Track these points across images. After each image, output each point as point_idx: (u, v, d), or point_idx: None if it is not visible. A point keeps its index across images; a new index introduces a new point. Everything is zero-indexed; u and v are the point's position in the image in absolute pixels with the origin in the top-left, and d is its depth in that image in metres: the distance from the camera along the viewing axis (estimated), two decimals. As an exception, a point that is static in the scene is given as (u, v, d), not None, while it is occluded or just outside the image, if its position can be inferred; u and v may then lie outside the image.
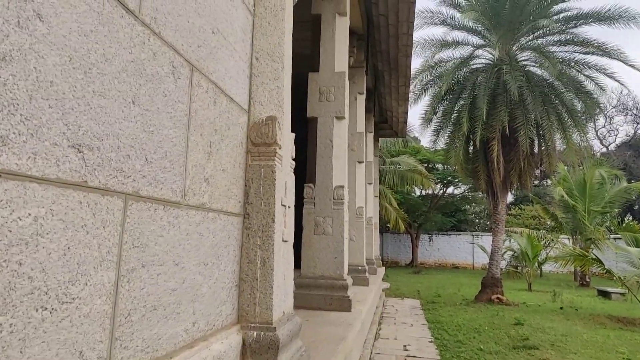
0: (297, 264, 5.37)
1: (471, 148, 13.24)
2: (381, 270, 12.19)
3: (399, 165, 22.18)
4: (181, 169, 1.62)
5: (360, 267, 7.67)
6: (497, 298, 12.66)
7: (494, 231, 13.10)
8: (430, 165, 27.21)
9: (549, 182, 33.70)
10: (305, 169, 5.35)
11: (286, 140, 2.43)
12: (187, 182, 1.66)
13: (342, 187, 5.15)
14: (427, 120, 13.33)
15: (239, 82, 2.18)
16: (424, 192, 30.85)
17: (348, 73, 7.41)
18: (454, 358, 6.96)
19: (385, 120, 13.55)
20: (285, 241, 2.41)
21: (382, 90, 10.83)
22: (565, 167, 18.24)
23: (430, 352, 7.27)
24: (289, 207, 2.46)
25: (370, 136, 10.80)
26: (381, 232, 29.10)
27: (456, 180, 28.45)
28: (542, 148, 12.74)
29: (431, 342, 7.95)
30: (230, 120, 2.07)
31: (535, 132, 12.24)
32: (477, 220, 37.97)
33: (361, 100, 7.96)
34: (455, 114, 12.91)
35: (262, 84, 2.33)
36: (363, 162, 8.04)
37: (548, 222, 28.26)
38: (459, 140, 12.69)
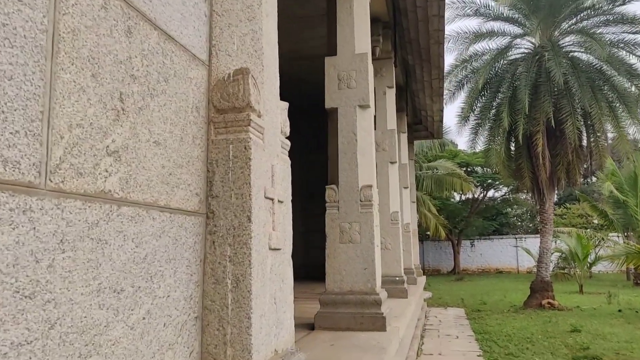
0: (322, 278, 4.61)
1: (513, 145, 12.14)
2: (422, 280, 11.24)
3: (437, 169, 21.07)
4: (35, 125, 0.89)
5: (397, 278, 6.81)
6: (548, 303, 11.48)
7: (542, 231, 11.92)
8: (469, 169, 25.90)
9: (594, 179, 31.68)
10: (326, 170, 4.59)
11: (271, 107, 1.69)
12: (54, 151, 0.93)
13: (370, 186, 4.35)
14: (464, 118, 12.34)
15: (187, 18, 1.46)
16: (463, 197, 29.50)
17: (375, 65, 6.62)
18: (508, 375, 5.99)
19: (419, 121, 12.66)
20: (275, 249, 1.65)
21: (414, 87, 9.98)
22: (613, 161, 16.78)
23: (480, 368, 6.34)
24: (279, 201, 1.70)
25: (404, 137, 9.95)
26: (421, 240, 27.92)
27: (497, 183, 26.99)
28: (591, 140, 11.55)
29: (480, 356, 7.01)
30: (169, 68, 1.35)
31: (582, 122, 11.08)
32: (519, 223, 36.16)
33: (390, 94, 7.16)
34: (494, 109, 11.87)
35: (228, 27, 1.60)
36: (396, 162, 7.21)
37: (595, 221, 26.42)
38: (500, 137, 11.64)
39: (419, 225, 25.77)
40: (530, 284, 12.01)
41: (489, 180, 26.68)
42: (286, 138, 1.87)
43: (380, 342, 3.62)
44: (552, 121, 10.60)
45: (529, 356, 7.00)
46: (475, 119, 12.38)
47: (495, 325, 9.55)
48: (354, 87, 4.31)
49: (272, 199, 1.65)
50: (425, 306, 11.87)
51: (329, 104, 4.39)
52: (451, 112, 51.03)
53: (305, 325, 4.39)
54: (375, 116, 7.06)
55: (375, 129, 7.17)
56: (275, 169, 1.69)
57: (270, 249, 1.62)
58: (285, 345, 1.73)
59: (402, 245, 7.28)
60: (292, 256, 1.86)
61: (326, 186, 4.42)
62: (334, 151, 4.42)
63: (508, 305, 12.44)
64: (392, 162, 7.10)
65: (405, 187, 9.74)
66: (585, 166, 12.17)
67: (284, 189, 1.78)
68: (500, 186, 28.15)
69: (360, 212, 4.33)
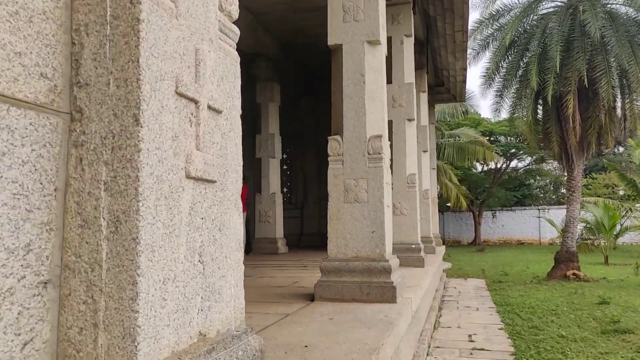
0: (325, 245, 3.98)
1: (540, 108, 11.21)
2: (441, 250, 10.61)
3: (459, 137, 20.08)
4: None
5: (413, 246, 6.20)
6: (574, 274, 10.74)
7: (569, 200, 11.09)
8: (492, 138, 24.78)
9: (621, 149, 30.18)
10: (329, 123, 3.93)
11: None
12: None
13: (380, 137, 3.69)
14: (488, 79, 11.40)
15: None
16: (485, 168, 28.47)
17: (390, 11, 5.85)
18: (532, 349, 5.39)
19: (441, 82, 11.80)
20: (201, 180, 1.02)
21: (435, 44, 9.13)
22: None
23: (502, 342, 5.75)
24: (213, 109, 1.07)
25: (424, 97, 9.15)
26: (441, 211, 27.14)
27: (520, 152, 25.87)
28: (626, 101, 10.54)
29: (501, 329, 6.40)
30: None
31: (617, 82, 10.07)
32: (542, 195, 35.00)
33: (408, 44, 6.39)
34: (522, 69, 10.89)
35: None
36: (414, 120, 6.49)
37: (621, 192, 25.18)
38: (527, 99, 10.72)
39: (440, 196, 24.96)
40: (555, 255, 11.25)
41: (513, 150, 25.57)
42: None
43: (388, 316, 3.02)
44: (585, 80, 9.64)
45: (555, 329, 6.37)
46: (500, 80, 11.43)
47: (518, 296, 8.90)
48: (361, 19, 3.61)
49: (194, 101, 1.03)
50: (444, 277, 11.26)
51: (332, 40, 3.71)
52: (474, 77, 49.00)
53: (306, 296, 3.82)
54: (391, 68, 6.32)
55: (391, 83, 6.45)
56: (204, 56, 1.06)
57: (190, 177, 1.01)
58: (224, 324, 1.14)
59: (419, 211, 6.63)
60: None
61: (329, 137, 3.78)
62: (338, 96, 3.75)
63: (531, 277, 11.73)
64: (409, 120, 6.40)
65: (424, 151, 9.02)
66: (617, 131, 11.19)
67: (224, 93, 1.15)
68: (524, 156, 27.02)
69: (368, 167, 3.69)
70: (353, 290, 3.55)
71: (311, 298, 3.68)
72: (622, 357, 5.05)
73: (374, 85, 3.74)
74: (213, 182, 1.11)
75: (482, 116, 26.49)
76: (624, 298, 8.52)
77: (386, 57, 4.81)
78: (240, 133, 1.26)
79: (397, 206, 6.25)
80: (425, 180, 8.94)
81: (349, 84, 3.72)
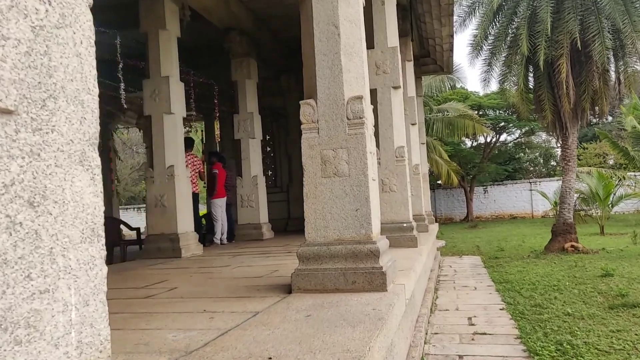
0: (302, 228, 3.37)
1: (531, 75, 10.68)
2: (434, 227, 10.14)
3: (447, 112, 19.53)
4: None
5: (405, 224, 5.69)
6: (572, 246, 10.35)
7: (564, 169, 10.64)
8: (480, 112, 24.26)
9: (609, 118, 29.85)
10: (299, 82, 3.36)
11: None
12: None
13: (361, 98, 3.13)
14: (476, 47, 10.82)
15: None
16: (474, 143, 28.04)
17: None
18: (538, 331, 4.95)
19: (427, 53, 11.21)
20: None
21: (419, 10, 8.53)
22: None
23: (504, 323, 5.32)
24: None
25: (410, 67, 8.57)
26: (432, 188, 26.74)
27: (510, 126, 25.44)
28: (620, 64, 10.06)
29: (502, 309, 5.98)
30: None
31: (611, 44, 9.57)
32: (532, 168, 34.75)
33: (390, 5, 5.80)
34: (511, 35, 10.33)
35: None
36: (400, 87, 5.92)
37: (611, 161, 24.91)
38: (517, 66, 10.19)
39: (430, 173, 24.51)
40: (552, 227, 10.85)
41: (502, 123, 25.13)
42: None
43: (377, 309, 2.50)
44: (578, 42, 9.12)
45: (559, 307, 5.94)
46: (489, 48, 10.87)
47: (516, 273, 8.48)
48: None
49: None
50: (438, 255, 10.82)
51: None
52: (461, 49, 47.98)
53: (284, 288, 3.30)
54: (372, 32, 5.74)
55: (373, 48, 5.86)
56: None
57: None
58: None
59: (410, 187, 6.11)
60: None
61: (300, 102, 3.21)
62: (310, 53, 3.17)
63: (528, 251, 11.34)
64: (395, 87, 5.84)
65: (412, 124, 8.48)
66: (612, 95, 10.73)
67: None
68: (513, 129, 26.62)
69: (348, 135, 3.14)
70: (336, 279, 3.02)
71: (289, 290, 3.15)
72: (635, 334, 4.61)
73: (350, 39, 3.17)
74: (9, 112, 0.57)
75: (470, 90, 25.95)
76: (627, 269, 8.14)
77: (367, 19, 4.22)
78: (91, 38, 0.71)
79: (385, 182, 5.73)
80: (415, 155, 8.42)
81: (321, 38, 3.14)
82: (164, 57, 6.88)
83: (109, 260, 7.54)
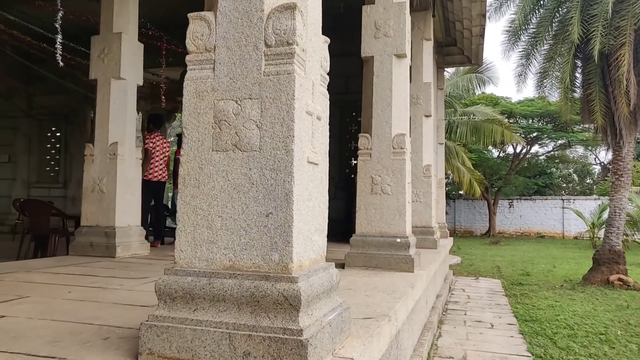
0: None
1: (579, 70, 8.99)
2: (447, 242, 8.58)
3: (474, 115, 17.76)
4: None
5: (399, 240, 4.23)
6: (619, 279, 8.61)
7: (615, 186, 8.90)
8: (512, 120, 22.34)
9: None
10: None
11: None
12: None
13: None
14: (515, 34, 9.18)
15: None
16: (502, 154, 26.10)
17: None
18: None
19: (453, 42, 9.64)
20: None
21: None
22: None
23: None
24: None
25: (429, 46, 7.01)
26: (452, 198, 24.95)
27: (544, 136, 23.43)
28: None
29: (529, 366, 4.45)
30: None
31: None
32: (564, 185, 32.52)
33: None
34: (558, 20, 8.66)
35: None
36: (405, 56, 4.42)
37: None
38: (563, 57, 8.52)
39: (452, 182, 22.72)
40: (594, 254, 9.11)
41: (535, 133, 23.14)
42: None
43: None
44: (645, 30, 7.45)
45: (613, 371, 4.39)
46: (529, 36, 9.21)
47: (547, 308, 6.86)
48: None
49: None
50: (450, 275, 9.24)
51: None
52: (493, 44, 44.79)
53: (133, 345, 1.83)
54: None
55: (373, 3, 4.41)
56: None
57: None
58: None
59: (409, 190, 4.63)
60: None
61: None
62: None
63: (560, 279, 9.63)
64: (398, 56, 4.35)
65: (427, 116, 6.96)
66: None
67: None
68: (547, 141, 24.59)
69: (265, 75, 1.68)
70: (218, 348, 1.59)
71: (136, 353, 1.70)
72: None
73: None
74: None
75: (500, 95, 24.06)
76: (696, 316, 6.45)
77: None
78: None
79: (376, 180, 4.24)
80: (427, 154, 6.87)
81: None
82: (118, 8, 5.55)
83: (36, 255, 6.24)
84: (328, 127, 2.06)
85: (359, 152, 4.33)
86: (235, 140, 1.71)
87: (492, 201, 23.34)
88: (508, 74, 40.49)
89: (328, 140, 2.06)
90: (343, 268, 4.21)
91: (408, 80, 4.58)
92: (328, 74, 2.09)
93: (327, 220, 2.05)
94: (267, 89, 1.70)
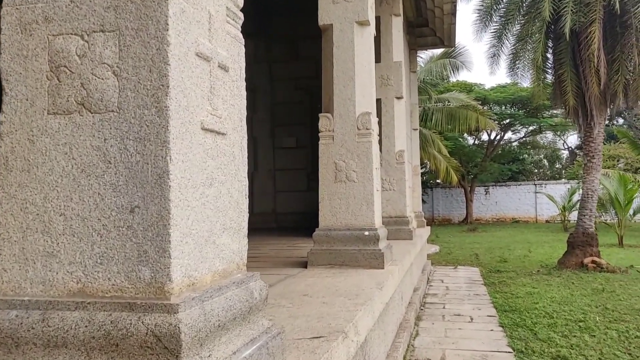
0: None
1: (551, 50, 8.53)
2: (423, 233, 8.06)
3: (449, 102, 17.29)
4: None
5: (367, 232, 3.65)
6: (593, 262, 8.24)
7: (587, 168, 8.50)
8: (486, 107, 22.00)
9: (621, 121, 27.59)
10: None
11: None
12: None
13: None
14: (486, 12, 8.68)
15: None
16: (477, 141, 25.83)
17: None
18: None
19: (424, 22, 9.09)
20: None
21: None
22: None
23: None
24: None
25: (398, 23, 6.42)
26: (430, 187, 24.59)
27: (516, 123, 23.19)
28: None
29: (510, 361, 3.95)
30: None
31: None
32: (536, 170, 32.54)
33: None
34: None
35: None
36: (369, 24, 3.83)
37: (621, 165, 22.71)
38: (535, 36, 8.04)
39: (429, 171, 22.29)
40: (569, 237, 8.72)
41: (508, 120, 22.87)
42: None
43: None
44: (617, 4, 6.98)
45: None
46: (500, 16, 8.72)
47: (525, 296, 6.41)
48: None
49: None
50: (428, 266, 8.74)
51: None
52: (465, 27, 44.46)
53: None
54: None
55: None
56: None
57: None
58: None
59: (378, 177, 4.05)
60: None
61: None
62: None
63: (537, 264, 9.23)
64: (360, 23, 3.75)
65: (398, 97, 6.39)
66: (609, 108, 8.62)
67: None
68: (519, 127, 24.38)
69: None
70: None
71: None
72: None
73: None
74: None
75: (473, 82, 23.72)
76: (677, 299, 6.06)
77: None
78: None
79: (339, 166, 3.64)
80: (399, 138, 6.31)
81: None
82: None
83: None
84: (244, 84, 1.44)
85: (320, 134, 3.72)
86: (82, 95, 1.09)
87: (469, 188, 23.03)
88: (481, 58, 40.33)
89: (245, 103, 1.45)
90: (305, 267, 3.61)
91: (373, 52, 3.99)
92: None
93: (246, 214, 1.43)
94: (126, 15, 1.07)
